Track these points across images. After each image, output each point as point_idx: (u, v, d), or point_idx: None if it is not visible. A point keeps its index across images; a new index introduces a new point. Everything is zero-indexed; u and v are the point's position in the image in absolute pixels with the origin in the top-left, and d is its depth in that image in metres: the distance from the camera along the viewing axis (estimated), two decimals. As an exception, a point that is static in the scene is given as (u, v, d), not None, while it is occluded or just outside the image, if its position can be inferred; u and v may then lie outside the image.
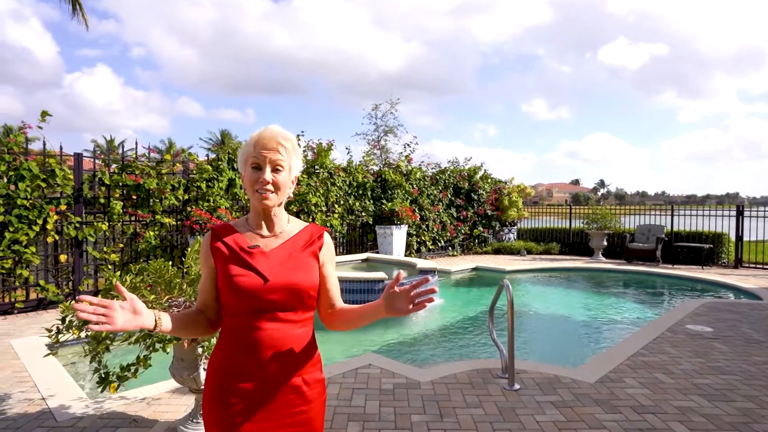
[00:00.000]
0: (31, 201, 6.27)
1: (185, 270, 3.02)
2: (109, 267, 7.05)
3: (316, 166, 10.38)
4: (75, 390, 3.60)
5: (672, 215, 11.96)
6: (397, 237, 10.69)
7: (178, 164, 8.08)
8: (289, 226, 1.45)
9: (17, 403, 3.36)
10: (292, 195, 1.44)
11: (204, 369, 2.79)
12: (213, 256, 1.38)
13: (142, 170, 7.41)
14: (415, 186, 12.32)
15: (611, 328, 6.13)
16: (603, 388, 3.64)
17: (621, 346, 4.76)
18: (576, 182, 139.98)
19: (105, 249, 7.08)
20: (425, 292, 1.29)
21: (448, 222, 12.88)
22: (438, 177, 13.11)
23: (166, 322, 1.30)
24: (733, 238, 11.10)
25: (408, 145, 13.32)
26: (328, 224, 10.25)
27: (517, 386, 3.63)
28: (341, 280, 6.29)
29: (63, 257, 6.67)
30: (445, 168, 13.61)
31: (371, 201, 11.41)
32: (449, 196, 13.22)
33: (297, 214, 9.58)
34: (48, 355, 3.22)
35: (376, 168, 12.35)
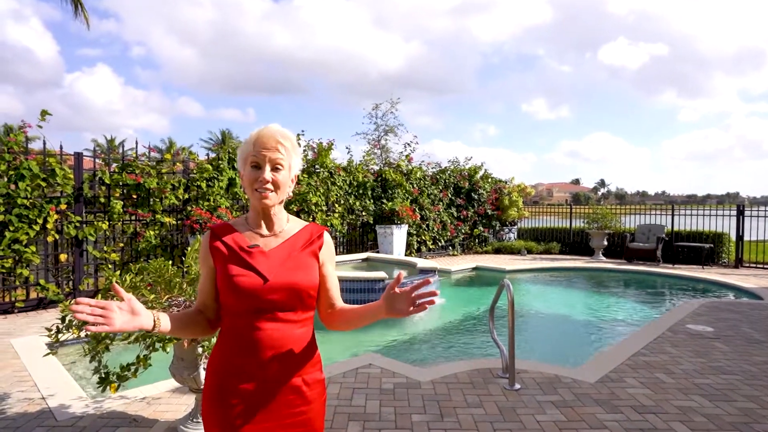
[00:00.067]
0: (31, 200, 6.26)
1: (185, 269, 3.01)
2: (110, 266, 7.05)
3: (317, 166, 10.37)
4: (75, 389, 3.59)
5: (672, 215, 11.95)
6: (398, 236, 10.69)
7: (178, 163, 8.08)
8: (289, 225, 1.44)
9: (17, 403, 3.36)
10: (291, 194, 1.43)
11: (204, 368, 2.78)
12: (212, 256, 1.38)
13: (143, 169, 7.40)
14: (415, 185, 12.31)
15: (612, 327, 6.12)
16: (604, 387, 3.64)
17: (621, 345, 4.75)
18: (576, 182, 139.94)
19: (105, 248, 7.08)
20: (426, 294, 1.28)
21: (449, 221, 12.87)
22: (438, 177, 13.10)
23: (164, 323, 1.29)
24: (733, 237, 11.09)
25: (408, 144, 13.31)
26: (329, 224, 10.25)
27: (517, 386, 3.62)
28: (341, 280, 6.28)
29: (63, 256, 6.67)
30: (446, 168, 13.60)
31: (371, 200, 11.40)
32: (449, 195, 13.21)
33: (297, 214, 9.58)
34: (48, 354, 3.22)
35: (376, 167, 12.34)
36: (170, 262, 2.91)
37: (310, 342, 1.39)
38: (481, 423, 3.05)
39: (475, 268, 10.45)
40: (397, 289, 1.30)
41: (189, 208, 7.77)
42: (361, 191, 11.22)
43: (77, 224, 6.73)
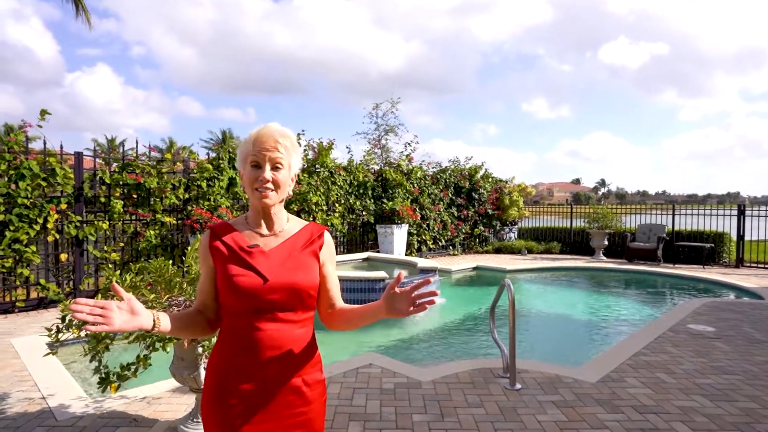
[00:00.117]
0: (31, 200, 6.26)
1: (185, 269, 3.01)
2: (110, 266, 7.04)
3: (317, 165, 10.36)
4: (75, 389, 3.59)
5: (673, 214, 11.93)
6: (398, 236, 10.68)
7: (178, 163, 8.07)
8: (289, 224, 1.44)
9: (17, 402, 3.35)
10: (291, 193, 1.43)
11: (204, 368, 2.78)
12: (212, 256, 1.37)
13: (143, 169, 7.40)
14: (415, 185, 12.30)
15: (612, 327, 6.11)
16: (604, 387, 3.63)
17: (622, 345, 4.75)
18: (577, 181, 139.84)
19: (105, 248, 7.07)
20: (426, 294, 1.27)
21: (449, 221, 12.86)
22: (439, 176, 13.09)
23: (164, 323, 1.29)
24: (734, 237, 11.08)
25: (409, 144, 13.30)
26: (329, 223, 10.24)
27: (518, 386, 3.62)
28: (342, 280, 6.27)
29: (63, 256, 6.67)
30: (446, 167, 13.59)
31: (372, 200, 11.39)
32: (450, 195, 13.20)
33: (298, 213, 9.57)
34: (48, 354, 3.21)
35: (376, 167, 12.33)
36: (170, 261, 2.91)
37: (310, 342, 1.39)
38: (482, 423, 3.05)
39: (475, 268, 10.44)
40: (397, 289, 1.29)
41: (189, 208, 7.76)
42: (361, 191, 11.22)
43: (77, 224, 6.72)
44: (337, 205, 10.61)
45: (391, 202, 11.15)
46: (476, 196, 13.64)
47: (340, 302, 1.47)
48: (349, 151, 20.19)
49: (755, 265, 10.81)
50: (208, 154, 8.49)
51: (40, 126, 6.32)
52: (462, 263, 10.78)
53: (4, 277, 6.23)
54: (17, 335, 5.13)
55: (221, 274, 1.33)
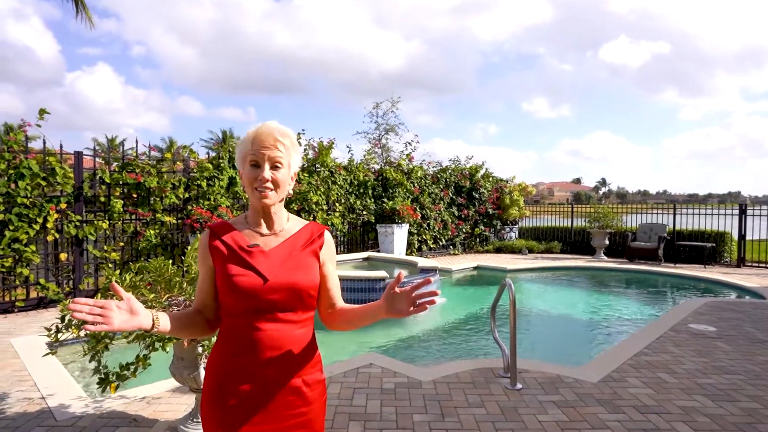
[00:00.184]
0: (31, 199, 6.25)
1: (185, 269, 3.00)
2: (110, 266, 7.04)
3: (317, 165, 10.35)
4: (75, 389, 3.58)
5: (674, 214, 11.92)
6: (399, 236, 10.67)
7: (178, 162, 8.06)
8: (289, 224, 1.42)
9: (17, 402, 3.34)
10: (291, 192, 1.41)
11: (204, 368, 2.77)
12: (211, 255, 1.36)
13: (143, 168, 7.38)
14: (416, 184, 12.28)
15: (613, 327, 6.10)
16: (606, 387, 3.62)
17: (623, 345, 4.73)
18: (577, 181, 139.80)
19: (105, 247, 7.07)
20: (427, 293, 1.26)
21: (450, 221, 12.85)
22: (439, 176, 13.07)
23: (163, 322, 1.27)
24: (735, 237, 11.06)
25: (409, 143, 13.29)
26: (329, 223, 10.23)
27: (519, 386, 3.60)
28: (342, 279, 6.25)
29: (63, 256, 6.66)
30: (447, 167, 13.57)
31: (372, 199, 11.38)
32: (450, 194, 13.18)
33: (298, 213, 9.56)
34: (47, 354, 3.20)
35: (377, 166, 12.32)
36: (170, 261, 2.90)
37: (310, 342, 1.38)
38: (483, 423, 3.04)
39: (476, 268, 10.43)
40: (397, 289, 1.28)
41: (189, 207, 7.75)
42: (361, 190, 11.20)
43: (77, 223, 6.71)
44: (337, 204, 10.59)
45: (391, 202, 11.14)
46: (477, 196, 13.63)
47: (340, 302, 1.45)
48: (349, 151, 20.19)
49: (756, 264, 10.79)
50: (208, 153, 8.48)
51: (39, 125, 6.31)
52: (462, 263, 10.77)
53: (4, 276, 6.22)
54: (17, 335, 5.12)
55: (221, 274, 1.32)
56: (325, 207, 10.19)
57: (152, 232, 7.34)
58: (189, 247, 3.09)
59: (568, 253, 13.32)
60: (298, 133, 10.39)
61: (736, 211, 11.02)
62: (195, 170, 8.03)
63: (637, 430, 2.95)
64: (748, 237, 10.89)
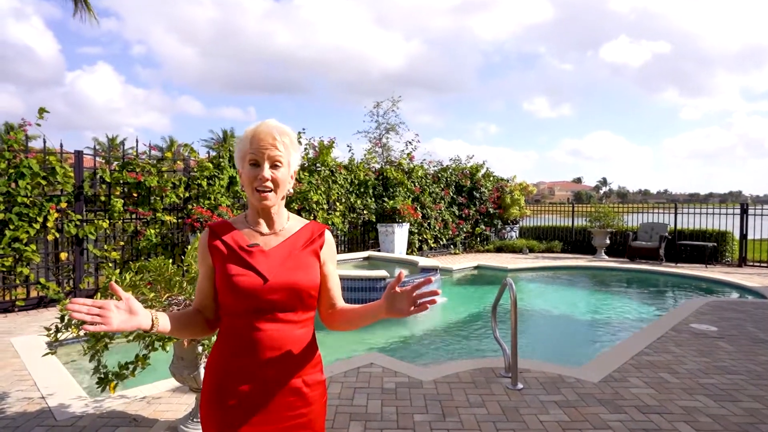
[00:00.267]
0: (31, 199, 6.25)
1: (185, 268, 2.99)
2: (110, 265, 7.03)
3: (318, 164, 10.34)
4: (75, 389, 3.58)
5: (675, 213, 11.90)
6: (399, 235, 10.66)
7: (179, 162, 8.05)
8: (289, 223, 1.41)
9: (16, 402, 3.34)
10: (291, 191, 1.40)
11: (204, 368, 2.76)
12: (211, 255, 1.34)
13: (143, 168, 7.38)
14: (416, 184, 12.27)
15: (615, 327, 6.09)
16: (607, 387, 3.61)
17: (625, 345, 4.72)
18: (578, 180, 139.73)
19: (106, 247, 7.06)
20: (427, 293, 1.25)
21: (450, 220, 12.84)
22: (440, 175, 13.06)
23: (163, 323, 1.26)
24: (737, 236, 11.04)
25: (410, 142, 13.29)
26: (330, 222, 10.22)
27: (520, 386, 3.59)
28: (342, 279, 6.25)
29: (63, 255, 6.66)
30: (447, 166, 13.56)
31: (373, 199, 11.37)
32: (451, 194, 13.17)
33: (299, 212, 9.55)
34: (47, 354, 3.19)
35: (377, 166, 12.31)
36: (171, 260, 2.89)
37: (310, 343, 1.36)
38: (484, 423, 3.02)
39: (476, 267, 10.42)
40: (398, 289, 1.26)
41: (190, 207, 7.74)
42: (362, 189, 11.19)
43: (77, 223, 6.71)
44: (338, 203, 10.58)
45: (392, 201, 11.13)
46: (477, 195, 13.61)
47: (340, 302, 1.44)
48: (350, 150, 20.03)
49: (758, 264, 10.77)
50: (208, 152, 8.47)
51: (38, 124, 6.30)
52: (463, 262, 10.76)
53: (4, 276, 6.22)
54: (17, 334, 5.11)
55: (220, 274, 1.30)
56: (325, 206, 10.18)
57: (152, 231, 7.33)
58: (189, 247, 3.08)
59: (569, 252, 13.30)
60: (299, 133, 10.38)
61: (738, 211, 11.00)
62: (195, 169, 8.02)
63: (639, 430, 2.94)
64: (750, 236, 10.87)
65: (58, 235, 6.59)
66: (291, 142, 1.34)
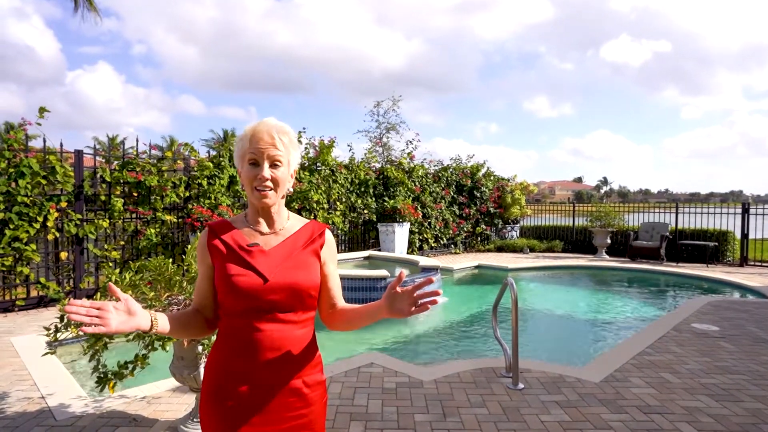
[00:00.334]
0: (31, 198, 6.24)
1: (185, 267, 2.98)
2: (110, 264, 7.02)
3: (318, 164, 10.33)
4: (75, 388, 3.57)
5: (677, 213, 11.88)
6: (400, 234, 10.65)
7: (179, 161, 8.05)
8: (290, 223, 1.40)
9: (16, 402, 3.33)
10: (291, 190, 1.39)
11: (203, 368, 2.75)
12: (210, 254, 1.33)
13: (143, 167, 7.37)
14: (417, 183, 12.26)
15: (616, 326, 6.08)
16: (608, 387, 3.59)
17: (626, 345, 4.71)
18: (579, 180, 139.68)
19: (106, 246, 7.05)
20: (428, 293, 1.24)
21: (451, 219, 12.83)
22: (440, 174, 13.05)
23: (162, 323, 1.25)
24: (738, 236, 11.02)
25: (410, 142, 13.28)
26: (330, 221, 10.21)
27: (521, 385, 3.58)
28: (343, 278, 6.25)
29: (63, 255, 6.65)
30: (448, 165, 13.55)
31: (373, 198, 11.36)
32: (452, 193, 13.16)
33: (299, 212, 9.54)
34: (47, 353, 3.18)
35: (378, 165, 12.30)
36: (171, 260, 2.88)
37: (310, 343, 1.35)
38: (485, 423, 3.01)
39: (477, 267, 10.41)
40: (398, 289, 1.25)
41: (190, 206, 7.74)
42: (362, 189, 11.18)
43: (78, 222, 6.70)
44: (338, 203, 10.57)
45: (392, 201, 11.12)
46: (478, 195, 13.60)
47: (341, 302, 1.43)
48: (350, 149, 20.09)
49: (759, 263, 10.75)
50: (208, 152, 8.46)
51: (39, 124, 6.29)
52: (464, 262, 10.75)
53: (4, 275, 6.21)
54: (17, 334, 5.11)
55: (220, 274, 1.29)
56: (326, 206, 10.17)
57: (153, 230, 7.32)
58: (189, 246, 3.07)
59: (570, 252, 13.29)
60: (299, 132, 10.37)
61: (739, 210, 10.98)
62: (195, 169, 8.02)
63: (641, 430, 2.93)
64: (751, 236, 10.85)
65: (58, 235, 6.58)
66: (290, 140, 1.33)
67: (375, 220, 11.22)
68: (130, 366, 2.64)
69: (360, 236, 11.35)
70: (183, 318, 1.34)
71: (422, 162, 12.95)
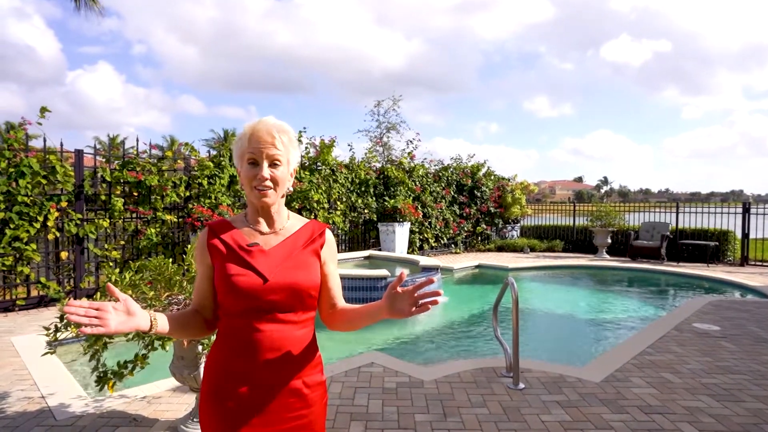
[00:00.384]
0: (31, 198, 6.24)
1: (186, 267, 2.97)
2: (111, 264, 7.02)
3: (319, 163, 10.32)
4: (75, 388, 3.56)
5: (677, 212, 11.86)
6: (400, 234, 10.64)
7: (179, 161, 8.04)
8: (290, 222, 1.39)
9: (16, 402, 3.33)
10: (291, 189, 1.38)
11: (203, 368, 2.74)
12: (210, 254, 1.33)
13: (143, 167, 7.37)
14: (417, 183, 12.25)
15: (616, 326, 6.07)
16: (609, 387, 3.59)
17: (627, 344, 4.70)
18: (579, 179, 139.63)
19: (106, 246, 7.05)
20: (429, 294, 1.23)
21: (451, 219, 12.82)
22: (441, 174, 13.04)
23: (161, 323, 1.24)
24: (739, 235, 11.01)
25: (410, 142, 13.27)
26: (331, 221, 10.20)
27: (521, 385, 3.58)
28: (343, 278, 6.24)
29: (64, 254, 6.65)
30: (448, 165, 13.54)
31: (374, 198, 11.35)
32: (452, 193, 13.15)
33: (299, 211, 9.54)
34: (46, 353, 3.18)
35: (378, 165, 12.29)
36: (171, 259, 2.87)
37: (310, 343, 1.35)
38: (485, 423, 3.01)
39: (477, 266, 10.40)
40: (399, 289, 1.25)
41: (190, 206, 7.74)
42: (363, 188, 11.18)
43: (78, 222, 6.70)
44: (338, 202, 10.57)
45: (393, 200, 11.11)
46: (478, 194, 13.59)
47: (341, 302, 1.43)
48: (350, 149, 20.11)
49: (760, 263, 10.74)
50: (209, 151, 8.46)
51: (39, 123, 6.29)
52: (464, 261, 10.74)
53: (5, 275, 6.21)
54: (17, 333, 5.11)
55: (219, 274, 1.29)
56: (326, 205, 10.16)
57: (153, 230, 7.32)
58: (189, 246, 3.07)
59: (571, 251, 13.28)
60: (300, 132, 10.36)
61: (740, 210, 10.97)
62: (196, 168, 8.01)
63: (642, 430, 2.92)
64: (752, 236, 10.83)
65: (58, 234, 6.58)
66: (290, 139, 1.32)
67: (375, 219, 11.22)
68: (130, 366, 2.64)
69: (360, 236, 11.35)
70: (182, 318, 1.33)
71: (423, 162, 12.94)
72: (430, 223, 12.26)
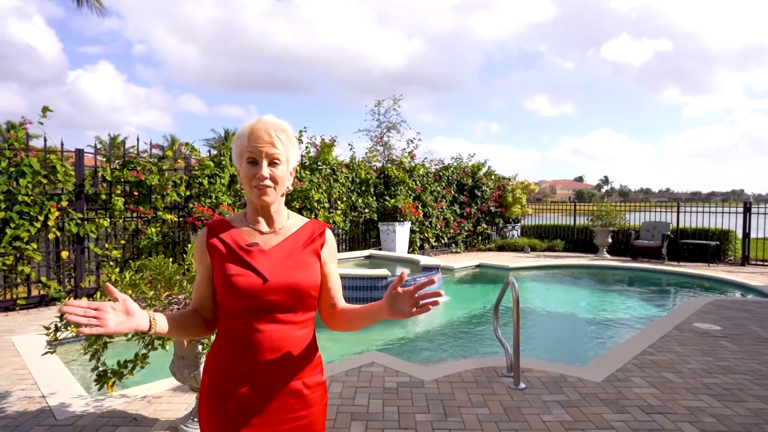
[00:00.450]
0: (32, 197, 6.23)
1: (186, 267, 2.97)
2: (111, 263, 7.02)
3: (319, 163, 10.32)
4: (75, 388, 3.56)
5: (678, 212, 11.85)
6: (400, 234, 10.64)
7: (180, 160, 8.04)
8: (290, 222, 1.39)
9: (17, 401, 3.33)
10: (290, 188, 1.37)
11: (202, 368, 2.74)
12: (209, 254, 1.32)
13: (144, 166, 7.36)
14: (418, 182, 12.25)
15: (617, 326, 6.06)
16: (610, 387, 3.58)
17: (627, 344, 4.69)
18: (580, 179, 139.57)
19: (107, 245, 7.05)
20: (430, 294, 1.22)
21: (452, 219, 12.81)
22: (441, 173, 13.03)
23: (161, 323, 1.24)
24: (740, 235, 10.99)
25: (411, 141, 13.26)
26: (331, 221, 10.20)
27: (522, 385, 3.57)
28: (343, 278, 6.24)
29: (64, 254, 6.65)
30: (449, 164, 13.53)
31: (374, 197, 11.34)
32: (453, 192, 13.14)
33: (300, 211, 9.53)
34: (46, 353, 3.18)
35: (379, 164, 12.29)
36: (171, 259, 2.87)
37: (310, 343, 1.34)
38: (486, 423, 3.00)
39: (478, 266, 10.39)
40: (399, 289, 1.24)
41: (191, 205, 7.73)
42: (363, 188, 11.17)
43: (78, 221, 6.70)
44: (339, 202, 10.56)
45: (393, 200, 11.11)
46: (479, 194, 13.58)
47: (341, 302, 1.42)
48: (351, 149, 20.18)
49: (761, 263, 10.72)
50: (209, 151, 8.46)
51: (41, 123, 6.29)
52: (465, 261, 10.73)
53: (5, 274, 6.21)
54: (18, 333, 5.11)
55: (219, 274, 1.28)
56: (326, 205, 10.16)
57: (153, 230, 7.32)
58: (190, 245, 3.06)
59: (571, 251, 13.27)
60: (300, 131, 10.36)
61: (741, 209, 10.95)
62: (196, 168, 8.01)
63: (643, 430, 2.91)
64: (753, 235, 10.82)
65: (59, 234, 6.58)
66: (289, 138, 1.31)
67: (376, 219, 11.21)
68: (130, 365, 2.63)
69: (361, 235, 11.34)
70: (182, 318, 1.33)
71: (423, 161, 12.94)
72: (430, 222, 12.25)
